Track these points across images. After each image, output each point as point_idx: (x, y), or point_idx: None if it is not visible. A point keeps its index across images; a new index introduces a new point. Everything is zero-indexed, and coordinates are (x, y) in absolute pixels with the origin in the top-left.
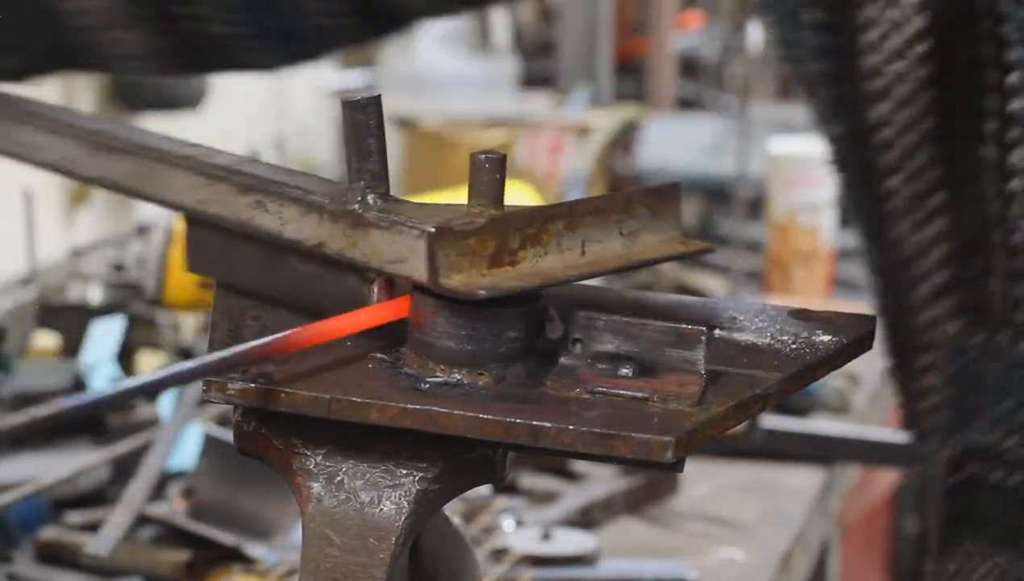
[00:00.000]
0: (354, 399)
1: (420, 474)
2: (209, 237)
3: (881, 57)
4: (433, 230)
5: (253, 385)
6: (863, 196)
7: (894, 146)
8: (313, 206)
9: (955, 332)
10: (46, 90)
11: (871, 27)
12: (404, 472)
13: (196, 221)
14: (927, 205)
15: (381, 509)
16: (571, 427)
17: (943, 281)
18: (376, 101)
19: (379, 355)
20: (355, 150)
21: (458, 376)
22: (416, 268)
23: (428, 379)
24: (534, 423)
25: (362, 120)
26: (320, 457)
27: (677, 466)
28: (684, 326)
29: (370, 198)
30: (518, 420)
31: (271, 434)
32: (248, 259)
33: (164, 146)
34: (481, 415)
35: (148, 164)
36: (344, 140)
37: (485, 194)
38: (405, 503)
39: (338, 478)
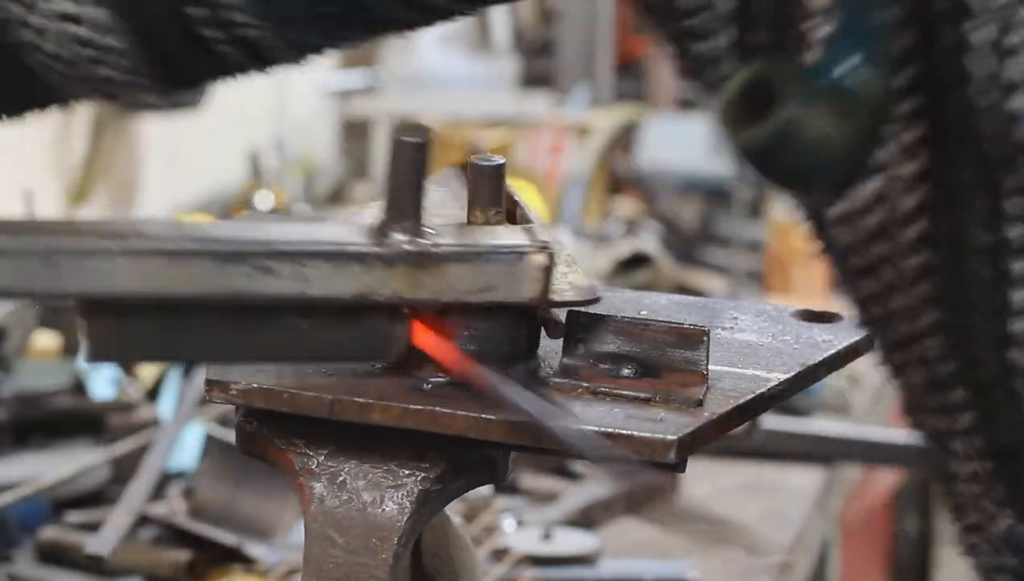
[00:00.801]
0: (357, 399)
1: (422, 474)
2: (128, 323)
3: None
4: (549, 254)
5: (256, 386)
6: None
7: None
8: (353, 256)
9: (1007, 527)
10: None
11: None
12: (406, 472)
13: (102, 308)
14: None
15: (383, 509)
16: (575, 427)
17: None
18: (431, 139)
19: None
20: (412, 190)
21: None
22: (514, 291)
23: (430, 379)
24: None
25: (420, 160)
26: (322, 457)
27: (679, 466)
28: (686, 326)
29: (429, 235)
30: (521, 420)
31: (273, 434)
32: (196, 333)
33: (61, 231)
34: (484, 415)
35: (40, 260)
36: (394, 177)
37: (490, 201)
38: (407, 503)
39: (340, 478)
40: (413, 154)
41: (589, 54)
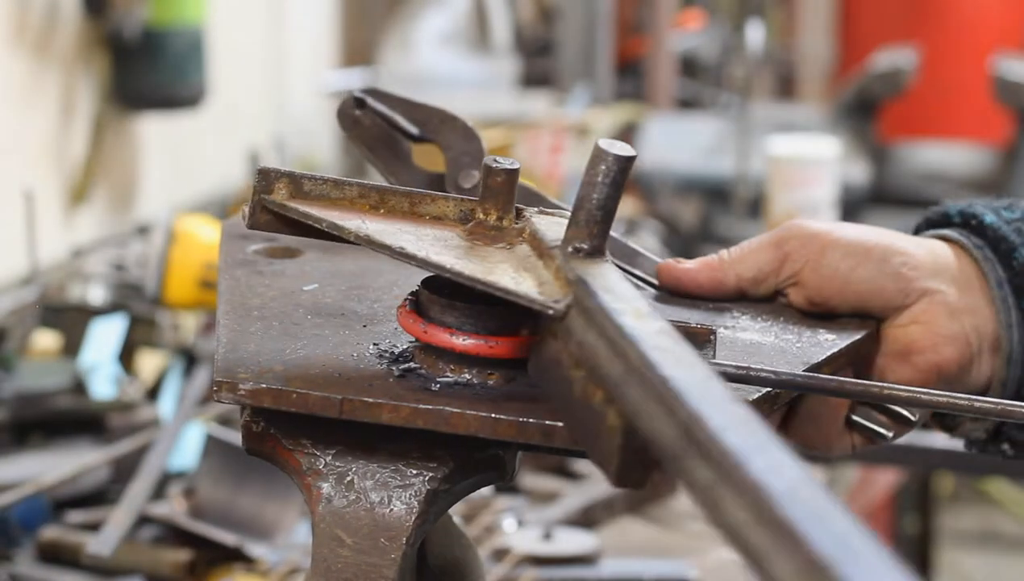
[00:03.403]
0: (366, 399)
1: (430, 474)
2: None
3: None
4: None
5: (265, 386)
6: None
7: None
8: None
9: None
10: (45, 91)
11: None
12: (414, 472)
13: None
14: None
15: (391, 509)
16: None
17: None
18: (634, 157)
19: (388, 355)
20: (607, 206)
21: (468, 376)
22: None
23: (438, 379)
24: (546, 423)
25: (622, 174)
26: (330, 457)
27: None
28: (693, 325)
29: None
30: (531, 420)
31: (280, 435)
32: None
33: None
34: (493, 415)
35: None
36: (590, 189)
37: (501, 204)
38: (415, 503)
39: (348, 478)
40: (614, 166)
41: (589, 54)
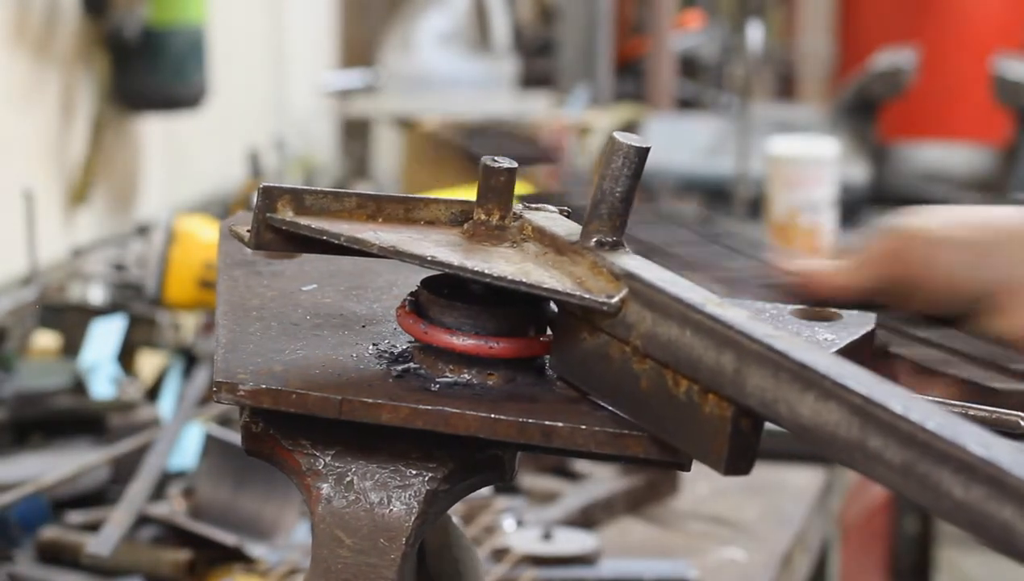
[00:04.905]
0: (365, 400)
1: (429, 474)
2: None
3: None
4: None
5: (264, 387)
6: None
7: None
8: None
9: None
10: (45, 91)
11: None
12: (413, 472)
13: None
14: None
15: (391, 510)
16: (584, 427)
17: None
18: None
19: (387, 355)
20: (623, 199)
21: (467, 376)
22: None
23: (438, 379)
24: (546, 423)
25: (639, 166)
26: (329, 458)
27: (686, 464)
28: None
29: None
30: (530, 420)
31: (280, 435)
32: None
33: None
34: (493, 415)
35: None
36: (609, 182)
37: (499, 203)
38: (415, 503)
39: (347, 479)
40: (634, 158)
41: (589, 54)
